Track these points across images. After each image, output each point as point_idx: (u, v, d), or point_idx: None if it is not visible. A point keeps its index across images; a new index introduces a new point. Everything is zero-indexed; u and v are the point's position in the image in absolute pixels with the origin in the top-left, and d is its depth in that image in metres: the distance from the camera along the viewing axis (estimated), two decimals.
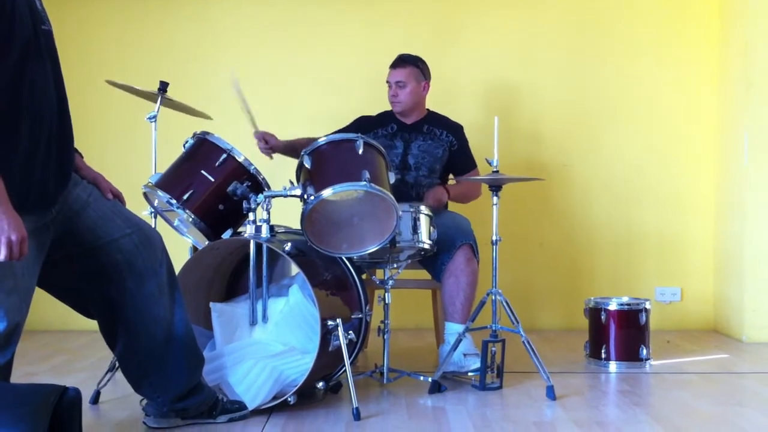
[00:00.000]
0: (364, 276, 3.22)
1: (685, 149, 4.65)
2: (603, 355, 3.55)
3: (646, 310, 3.58)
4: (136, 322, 2.38)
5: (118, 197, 2.40)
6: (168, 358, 2.44)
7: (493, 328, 3.13)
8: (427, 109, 3.79)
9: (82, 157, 2.39)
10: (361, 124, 3.70)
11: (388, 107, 3.79)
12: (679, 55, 4.65)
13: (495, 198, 3.17)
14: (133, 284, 2.35)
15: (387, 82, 3.70)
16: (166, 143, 3.41)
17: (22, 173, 1.97)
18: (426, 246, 3.12)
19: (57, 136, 2.09)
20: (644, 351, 3.54)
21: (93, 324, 2.46)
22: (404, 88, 3.66)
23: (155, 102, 3.38)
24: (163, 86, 3.36)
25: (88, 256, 2.28)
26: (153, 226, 3.08)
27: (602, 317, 3.56)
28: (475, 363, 3.20)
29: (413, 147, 3.69)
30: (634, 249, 4.64)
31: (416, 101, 3.71)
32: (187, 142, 3.05)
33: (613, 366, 3.52)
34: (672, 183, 4.65)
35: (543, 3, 4.68)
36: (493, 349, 3.13)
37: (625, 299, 3.68)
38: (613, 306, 3.57)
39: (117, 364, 2.98)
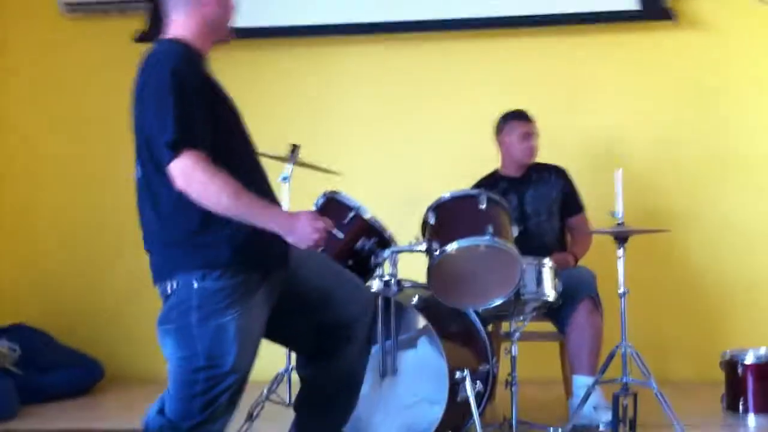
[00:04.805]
0: (489, 328, 3.25)
1: None
2: (741, 408, 3.42)
3: None
4: (333, 363, 2.42)
5: None
6: (342, 393, 2.49)
7: (624, 381, 3.09)
8: None
9: None
10: None
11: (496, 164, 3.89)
12: None
13: (620, 251, 3.16)
14: (342, 330, 2.40)
15: (525, 133, 3.78)
16: (298, 201, 3.54)
17: (264, 246, 2.16)
18: (551, 298, 3.12)
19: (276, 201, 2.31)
20: None
21: None
22: (536, 140, 3.80)
23: (286, 163, 3.56)
24: (294, 149, 3.54)
25: (302, 304, 2.35)
26: None
27: (739, 370, 3.45)
28: (606, 416, 3.16)
29: (527, 196, 3.77)
30: None
31: None
32: (317, 201, 3.20)
33: (751, 419, 3.39)
34: None
35: (665, 51, 4.64)
36: (625, 402, 3.08)
37: (762, 351, 3.54)
38: (749, 359, 3.46)
39: (255, 414, 3.13)
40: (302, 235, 2.12)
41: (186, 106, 2.05)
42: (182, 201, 2.08)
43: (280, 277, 2.25)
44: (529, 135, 3.79)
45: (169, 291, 2.12)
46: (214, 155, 2.08)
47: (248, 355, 2.16)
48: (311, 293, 2.34)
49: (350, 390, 2.51)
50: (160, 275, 2.17)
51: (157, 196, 2.15)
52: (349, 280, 2.49)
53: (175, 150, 2.02)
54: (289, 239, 2.11)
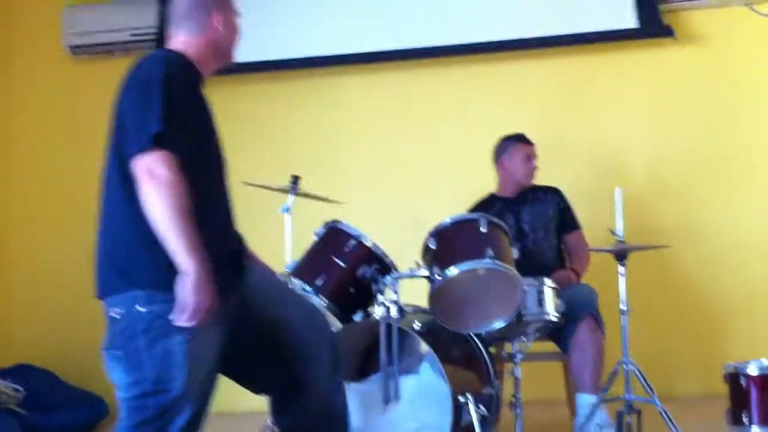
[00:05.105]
0: (492, 350, 3.28)
1: None
2: (744, 421, 3.43)
3: None
4: (304, 400, 2.39)
5: None
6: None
7: (627, 399, 3.11)
8: None
9: None
10: None
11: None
12: None
13: (621, 268, 3.20)
14: (303, 363, 2.36)
15: (527, 156, 3.88)
16: (300, 231, 3.60)
17: (218, 270, 2.10)
18: (553, 318, 3.15)
19: (236, 236, 2.31)
20: None
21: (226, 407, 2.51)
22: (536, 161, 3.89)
23: (288, 193, 3.62)
24: (295, 180, 3.61)
25: (260, 336, 2.32)
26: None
27: (742, 382, 3.46)
28: None
29: (523, 214, 3.83)
30: None
31: None
32: (318, 230, 3.26)
33: (756, 431, 3.40)
34: None
35: (664, 68, 4.69)
36: (629, 420, 3.11)
37: (765, 362, 3.54)
38: (753, 370, 3.46)
39: None
40: (193, 299, 1.98)
41: (171, 107, 2.03)
42: (135, 214, 2.03)
43: (234, 303, 2.19)
44: (531, 157, 3.86)
45: (114, 315, 2.08)
46: (185, 171, 2.03)
47: (200, 381, 2.10)
48: (268, 320, 2.29)
49: (335, 426, 2.43)
50: (104, 293, 2.13)
51: (112, 202, 2.12)
52: (307, 308, 2.44)
53: (149, 143, 1.98)
54: (178, 288, 1.99)
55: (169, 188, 1.96)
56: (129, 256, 2.07)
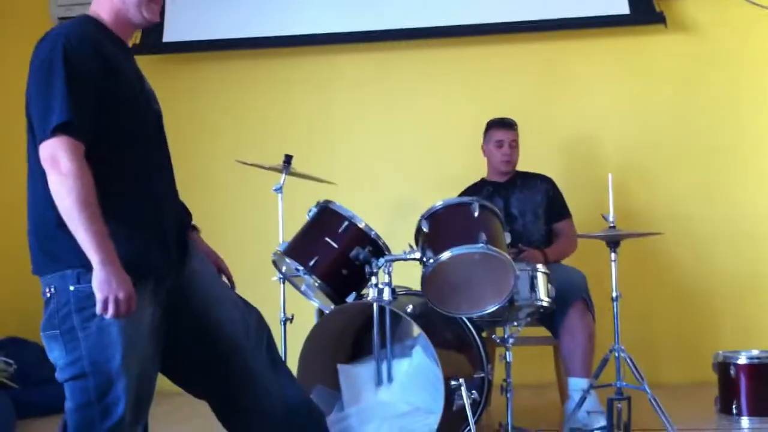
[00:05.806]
0: (483, 334, 3.27)
1: None
2: (734, 411, 3.45)
3: None
4: (252, 401, 2.29)
5: (229, 279, 2.41)
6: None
7: (618, 386, 3.12)
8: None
9: (199, 231, 2.40)
10: None
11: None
12: None
13: (613, 254, 3.19)
14: (240, 363, 2.27)
15: (499, 141, 3.81)
16: (292, 211, 3.58)
17: (146, 249, 2.07)
18: (545, 304, 3.14)
19: (175, 213, 2.22)
20: None
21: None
22: (515, 148, 3.83)
23: (281, 173, 3.59)
24: (288, 159, 3.57)
25: (197, 338, 2.24)
26: (281, 291, 3.29)
27: (732, 372, 3.48)
28: (600, 421, 3.18)
29: (512, 199, 3.82)
30: (764, 299, 4.49)
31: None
32: (311, 210, 3.23)
33: (745, 421, 3.42)
34: None
35: (654, 55, 4.67)
36: (619, 406, 3.11)
37: (755, 352, 3.57)
38: (742, 360, 3.48)
39: None
40: (102, 293, 1.92)
41: (73, 87, 1.95)
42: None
43: (172, 283, 2.15)
44: (503, 142, 3.82)
45: (47, 295, 2.05)
46: (103, 148, 1.99)
47: (139, 361, 2.05)
48: (201, 319, 2.22)
49: (298, 420, 2.29)
50: (36, 271, 2.09)
51: (34, 183, 2.05)
52: (239, 305, 2.31)
53: (51, 131, 1.92)
54: (94, 282, 1.92)
55: (72, 180, 1.91)
56: (54, 237, 2.02)
